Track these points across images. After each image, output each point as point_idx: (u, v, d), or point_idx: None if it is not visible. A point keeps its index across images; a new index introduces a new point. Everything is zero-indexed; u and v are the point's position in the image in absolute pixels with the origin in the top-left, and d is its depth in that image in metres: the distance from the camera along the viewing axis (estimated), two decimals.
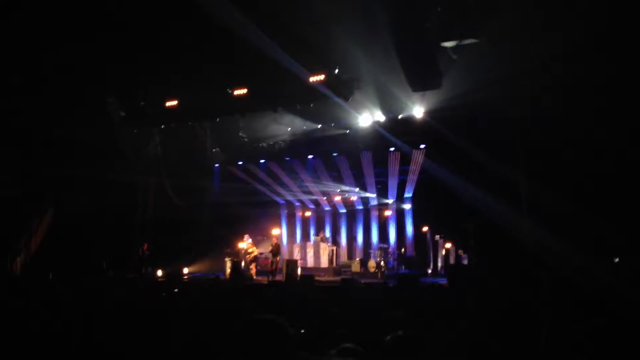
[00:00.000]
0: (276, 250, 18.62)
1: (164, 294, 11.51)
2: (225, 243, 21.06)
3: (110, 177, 18.91)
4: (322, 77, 15.47)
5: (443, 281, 15.65)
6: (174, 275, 17.95)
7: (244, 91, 16.82)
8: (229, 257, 19.57)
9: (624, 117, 12.29)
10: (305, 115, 19.06)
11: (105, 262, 19.10)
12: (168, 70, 16.70)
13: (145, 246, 20.37)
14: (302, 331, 5.51)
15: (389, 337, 2.81)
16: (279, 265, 18.40)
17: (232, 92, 17.04)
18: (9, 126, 18.92)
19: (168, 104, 18.24)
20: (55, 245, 19.74)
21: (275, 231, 22.29)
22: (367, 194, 21.52)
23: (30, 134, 18.77)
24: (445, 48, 14.14)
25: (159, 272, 19.33)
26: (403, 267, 19.51)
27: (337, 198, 22.16)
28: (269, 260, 20.98)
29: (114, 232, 19.08)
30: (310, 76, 15.52)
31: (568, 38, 11.86)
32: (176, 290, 12.38)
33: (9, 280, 15.13)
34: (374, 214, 21.76)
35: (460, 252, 18.48)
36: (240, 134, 20.88)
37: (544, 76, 12.84)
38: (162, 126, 20.51)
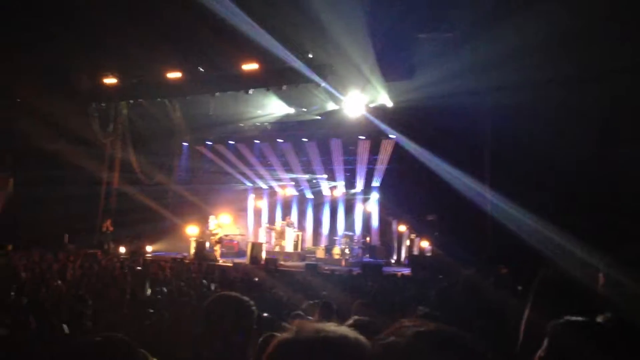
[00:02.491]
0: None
1: (125, 271, 11.42)
2: (190, 223, 20.86)
3: (74, 149, 18.56)
4: (294, 61, 15.40)
5: (406, 271, 15.88)
6: (137, 253, 17.78)
7: (216, 71, 16.69)
8: (193, 237, 19.42)
9: (593, 112, 12.54)
10: (276, 98, 18.95)
11: (66, 235, 18.79)
12: (141, 45, 16.42)
13: (109, 221, 20.07)
14: (265, 315, 5.54)
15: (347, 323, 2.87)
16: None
17: (203, 71, 16.88)
18: None
19: (136, 79, 18.01)
20: (14, 217, 19.34)
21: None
22: (335, 182, 21.56)
23: None
24: (420, 39, 14.20)
25: (122, 249, 19.08)
26: (367, 255, 19.65)
27: (305, 184, 22.14)
28: (234, 243, 20.96)
29: (76, 206, 18.75)
30: (282, 59, 15.42)
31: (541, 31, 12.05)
32: (139, 268, 12.30)
33: None
34: (341, 201, 21.84)
35: (425, 242, 18.69)
36: (210, 113, 20.66)
37: (516, 69, 13.00)
38: (131, 101, 20.19)
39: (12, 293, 7.13)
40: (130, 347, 2.33)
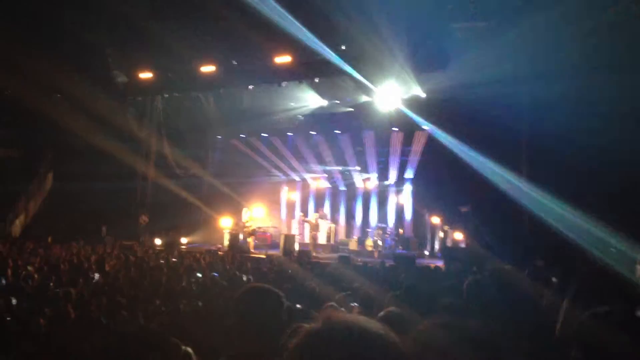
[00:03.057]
0: None
1: (162, 262, 11.62)
2: (224, 215, 21.08)
3: (111, 144, 18.93)
4: (327, 53, 15.36)
5: (440, 263, 15.75)
6: (172, 244, 18.06)
7: (249, 64, 16.77)
8: (227, 230, 19.62)
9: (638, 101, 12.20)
10: (309, 91, 18.96)
11: (104, 228, 19.19)
12: (176, 39, 16.65)
13: (146, 216, 20.47)
14: (298, 306, 5.57)
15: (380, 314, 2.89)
16: None
17: (238, 64, 16.99)
18: (9, 89, 18.94)
19: (172, 73, 18.23)
20: (54, 209, 19.86)
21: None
22: (368, 174, 21.48)
23: (31, 98, 18.73)
24: (454, 29, 14.00)
25: (158, 241, 19.40)
26: (400, 247, 19.55)
27: (338, 176, 22.12)
28: (268, 235, 21.09)
29: (113, 199, 19.14)
30: (315, 52, 15.41)
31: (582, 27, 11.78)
32: (174, 259, 12.50)
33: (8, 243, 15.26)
34: (374, 193, 21.75)
35: (459, 234, 18.51)
36: (243, 106, 20.80)
37: (554, 57, 12.74)
38: (166, 95, 20.47)
39: (52, 284, 7.32)
40: (163, 337, 2.37)
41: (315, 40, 15.26)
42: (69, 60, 17.79)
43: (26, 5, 16.27)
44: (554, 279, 3.88)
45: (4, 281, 7.69)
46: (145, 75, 19.02)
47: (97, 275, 8.46)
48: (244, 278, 8.98)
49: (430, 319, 1.44)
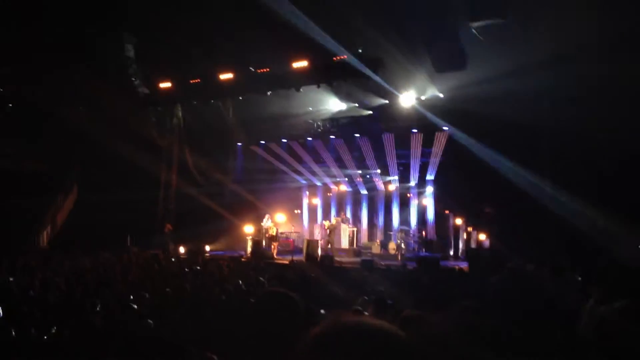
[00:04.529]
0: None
1: (186, 270, 11.70)
2: (246, 222, 21.18)
3: (134, 154, 19.16)
4: (344, 56, 15.36)
5: (464, 265, 15.62)
6: (196, 252, 18.18)
7: (266, 70, 16.84)
8: (250, 236, 19.70)
9: None
10: (327, 95, 19.00)
11: (128, 237, 19.40)
12: (192, 48, 16.84)
13: (169, 225, 20.69)
14: (322, 311, 5.56)
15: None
16: None
17: (256, 70, 17.07)
18: (35, 104, 19.35)
19: (191, 81, 18.37)
20: (80, 220, 20.15)
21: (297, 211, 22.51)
22: (389, 177, 21.41)
23: (55, 111, 19.11)
24: (472, 28, 13.88)
25: (182, 249, 19.56)
26: (424, 250, 19.44)
27: (358, 179, 22.08)
28: (290, 240, 21.12)
29: (137, 208, 19.35)
30: (332, 55, 15.42)
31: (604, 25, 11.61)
32: (198, 267, 12.58)
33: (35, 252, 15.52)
34: (395, 196, 21.66)
35: (483, 235, 18.35)
36: (262, 113, 20.91)
37: (578, 56, 12.56)
38: (185, 104, 20.68)
39: (78, 295, 7.42)
40: (189, 347, 2.39)
41: (332, 43, 15.29)
42: (92, 72, 18.10)
43: (49, 18, 16.58)
44: (578, 278, 3.83)
45: (31, 292, 7.82)
46: (165, 84, 19.21)
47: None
48: (267, 284, 9.01)
49: (444, 319, 1.43)
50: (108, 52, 18.28)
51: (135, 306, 6.10)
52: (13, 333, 4.60)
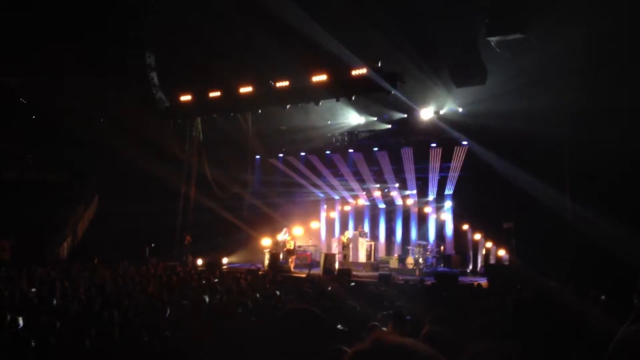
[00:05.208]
0: None
1: (203, 282, 11.74)
2: (264, 234, 21.22)
3: (154, 165, 19.33)
4: (364, 70, 15.38)
5: (483, 280, 15.45)
6: (213, 265, 18.23)
7: (285, 83, 16.90)
8: (267, 249, 19.72)
9: None
10: (346, 108, 19.05)
11: (147, 248, 19.54)
12: (210, 61, 17.00)
13: (189, 237, 20.80)
14: (339, 327, 5.54)
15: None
16: None
17: (275, 84, 17.15)
18: (57, 117, 19.67)
19: (211, 94, 18.48)
20: (100, 231, 20.34)
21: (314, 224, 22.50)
22: (407, 191, 21.30)
23: (77, 121, 19.39)
24: (491, 42, 13.86)
25: (199, 261, 19.63)
26: (442, 265, 19.27)
27: (377, 193, 22.00)
28: (307, 254, 21.09)
29: (157, 219, 19.50)
30: (352, 69, 15.45)
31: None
32: (216, 280, 12.60)
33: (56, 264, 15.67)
34: (414, 210, 21.54)
35: (502, 251, 18.16)
36: (281, 126, 21.00)
37: (597, 70, 12.46)
38: (205, 117, 20.83)
39: (97, 306, 7.46)
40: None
41: (351, 57, 15.35)
42: (113, 84, 18.36)
43: (72, 32, 16.87)
44: (602, 297, 3.76)
45: (55, 301, 7.89)
46: (185, 97, 19.35)
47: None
48: (285, 298, 8.99)
49: (482, 344, 1.41)
50: (129, 65, 18.53)
51: (154, 318, 6.13)
52: (33, 343, 4.63)
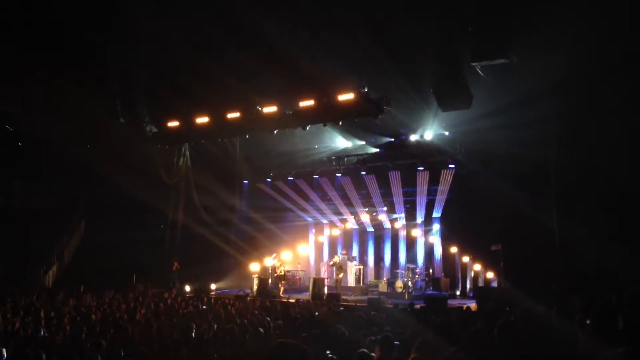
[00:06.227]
0: None
1: (191, 309, 11.63)
2: (253, 260, 21.12)
3: (140, 192, 19.21)
4: (351, 95, 15.49)
5: (472, 303, 15.44)
6: (201, 291, 18.09)
7: (273, 109, 16.96)
8: (256, 274, 19.61)
9: None
10: (334, 133, 19.13)
11: (134, 275, 19.36)
12: (198, 87, 17.04)
13: (177, 263, 20.65)
14: (328, 354, 5.50)
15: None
16: None
17: (262, 110, 17.20)
18: (44, 143, 19.56)
19: (199, 120, 18.49)
20: (86, 259, 20.14)
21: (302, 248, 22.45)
22: (395, 214, 21.35)
23: (63, 149, 19.31)
24: (475, 67, 14.03)
25: (187, 288, 19.46)
26: (431, 288, 19.26)
27: (365, 217, 22.02)
28: (297, 278, 20.99)
29: (144, 246, 19.36)
30: (339, 94, 15.56)
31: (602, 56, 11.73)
32: (204, 307, 12.50)
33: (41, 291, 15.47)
34: (402, 233, 21.57)
35: (490, 273, 18.19)
36: (269, 151, 21.02)
37: (576, 96, 12.66)
38: (192, 143, 20.80)
39: (83, 335, 7.37)
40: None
41: (339, 82, 15.46)
42: (100, 110, 18.31)
43: (57, 57, 16.85)
44: (587, 322, 3.77)
45: (42, 332, 7.75)
46: (173, 123, 19.29)
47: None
48: (274, 324, 8.93)
49: None
50: (117, 91, 18.51)
51: (141, 347, 6.06)
52: None
